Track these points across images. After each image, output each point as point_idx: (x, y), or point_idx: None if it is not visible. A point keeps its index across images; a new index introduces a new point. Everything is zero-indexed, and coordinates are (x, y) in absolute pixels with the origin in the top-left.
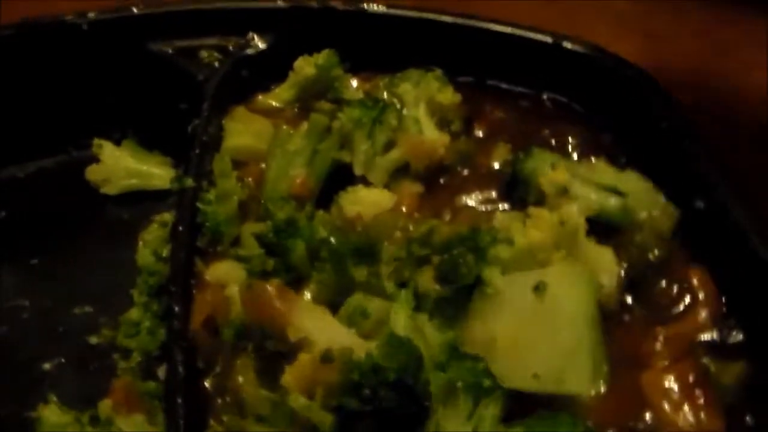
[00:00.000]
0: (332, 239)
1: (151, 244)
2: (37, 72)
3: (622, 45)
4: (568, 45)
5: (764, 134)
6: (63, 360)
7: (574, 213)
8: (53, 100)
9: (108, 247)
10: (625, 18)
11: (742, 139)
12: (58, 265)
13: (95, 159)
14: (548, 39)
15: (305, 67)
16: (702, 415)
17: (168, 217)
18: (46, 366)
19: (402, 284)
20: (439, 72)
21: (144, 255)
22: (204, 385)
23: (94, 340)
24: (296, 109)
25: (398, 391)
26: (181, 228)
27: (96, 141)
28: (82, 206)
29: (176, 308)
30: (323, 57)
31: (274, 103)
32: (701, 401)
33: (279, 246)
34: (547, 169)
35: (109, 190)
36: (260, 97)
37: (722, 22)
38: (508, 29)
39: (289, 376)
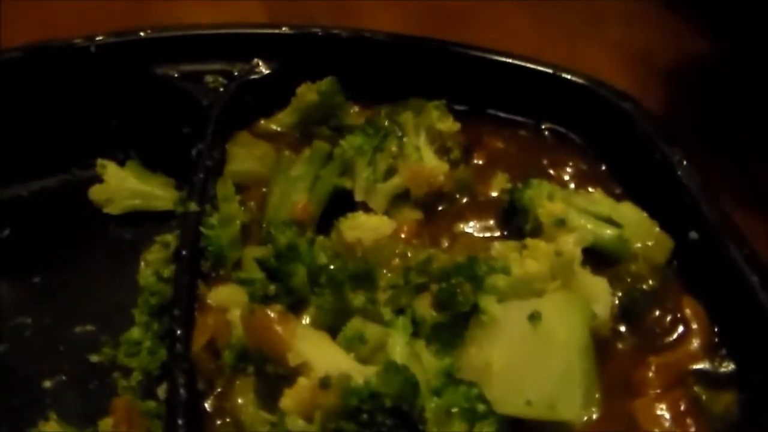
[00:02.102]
0: (331, 265)
1: (153, 264)
2: (44, 93)
3: (619, 75)
4: (567, 76)
5: (759, 166)
6: (64, 378)
7: (571, 244)
8: (58, 121)
9: (110, 266)
10: (622, 48)
11: (738, 171)
12: (61, 284)
13: (99, 179)
14: (548, 70)
15: (307, 93)
16: None
17: (170, 237)
18: (47, 384)
19: (400, 311)
20: (439, 101)
21: (146, 275)
22: (204, 406)
23: (94, 358)
24: (298, 135)
25: (395, 417)
26: (184, 252)
27: (100, 161)
28: (84, 226)
29: (178, 331)
30: (325, 84)
31: (276, 128)
32: (692, 430)
33: (280, 271)
34: (545, 200)
35: (112, 210)
36: (263, 121)
37: (722, 53)
38: (509, 59)
39: (288, 400)
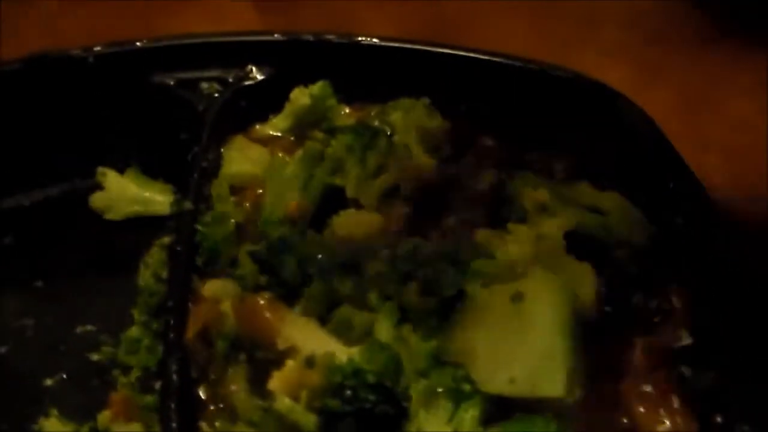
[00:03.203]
0: (320, 256)
1: (152, 266)
2: (44, 104)
3: (610, 74)
4: (553, 73)
5: (750, 162)
6: (64, 376)
7: (553, 227)
8: (59, 131)
9: (111, 270)
10: (615, 47)
11: (726, 165)
12: (62, 287)
13: (99, 187)
14: (535, 67)
15: (301, 97)
16: (678, 419)
17: (168, 240)
18: (48, 382)
19: (387, 298)
20: (427, 100)
21: (145, 277)
22: (198, 393)
23: (95, 356)
24: (292, 138)
25: (378, 393)
26: (179, 248)
27: (100, 169)
28: (86, 232)
29: (172, 321)
30: (318, 88)
31: (271, 132)
32: (677, 406)
33: (271, 263)
34: (529, 189)
35: (113, 216)
36: (258, 126)
37: (714, 54)
38: (496, 59)
39: (276, 381)
